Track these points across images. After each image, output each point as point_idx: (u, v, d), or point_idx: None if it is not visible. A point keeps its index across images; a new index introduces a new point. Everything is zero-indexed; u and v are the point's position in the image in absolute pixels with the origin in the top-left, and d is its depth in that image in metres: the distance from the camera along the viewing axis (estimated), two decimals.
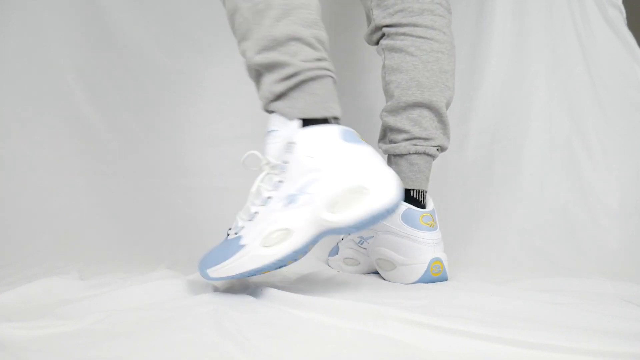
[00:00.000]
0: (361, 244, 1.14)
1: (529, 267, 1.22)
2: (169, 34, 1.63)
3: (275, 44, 0.84)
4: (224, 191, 1.56)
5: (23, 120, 1.56)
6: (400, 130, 1.08)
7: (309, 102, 0.84)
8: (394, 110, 1.09)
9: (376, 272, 1.13)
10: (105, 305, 0.81)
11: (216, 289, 0.91)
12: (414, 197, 1.08)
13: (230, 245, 0.83)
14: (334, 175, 0.78)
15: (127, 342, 0.66)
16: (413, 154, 1.07)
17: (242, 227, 0.82)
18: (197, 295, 0.87)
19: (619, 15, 1.57)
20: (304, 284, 1.00)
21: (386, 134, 1.11)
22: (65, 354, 0.62)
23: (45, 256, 1.30)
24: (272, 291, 0.84)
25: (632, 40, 1.56)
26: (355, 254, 1.16)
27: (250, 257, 0.79)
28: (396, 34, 1.09)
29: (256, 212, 0.81)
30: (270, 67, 0.85)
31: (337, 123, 0.86)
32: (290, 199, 0.79)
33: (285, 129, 0.83)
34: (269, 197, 0.81)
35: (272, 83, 0.85)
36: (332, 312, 0.75)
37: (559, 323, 0.72)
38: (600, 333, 0.67)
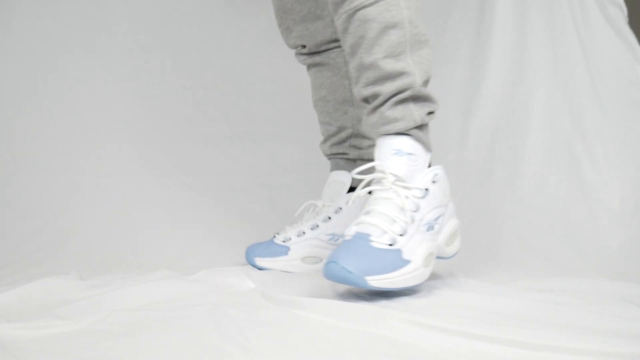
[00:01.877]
0: (335, 240, 1.16)
1: (529, 267, 1.21)
2: (169, 34, 1.63)
3: (428, 81, 0.96)
4: (224, 191, 1.56)
5: (23, 120, 1.56)
6: (365, 137, 1.17)
7: (430, 138, 0.97)
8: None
9: None
10: (105, 305, 0.81)
11: (216, 289, 0.92)
12: None
13: (391, 257, 0.84)
14: (453, 214, 0.99)
15: (127, 342, 0.66)
16: None
17: (395, 240, 0.86)
18: (197, 295, 0.87)
19: (620, 14, 1.56)
20: (304, 284, 1.00)
21: (346, 140, 1.19)
22: (65, 354, 0.62)
23: (45, 256, 1.30)
24: (272, 291, 0.84)
25: (633, 39, 1.56)
26: (318, 252, 1.17)
27: (417, 274, 0.86)
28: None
29: (405, 229, 0.87)
30: (426, 99, 0.94)
31: None
32: (429, 226, 0.91)
33: (422, 156, 0.93)
34: (412, 218, 0.88)
35: (422, 113, 0.93)
36: (332, 312, 0.75)
37: (559, 323, 0.72)
38: (600, 333, 0.67)
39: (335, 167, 1.22)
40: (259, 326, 0.71)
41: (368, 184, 0.95)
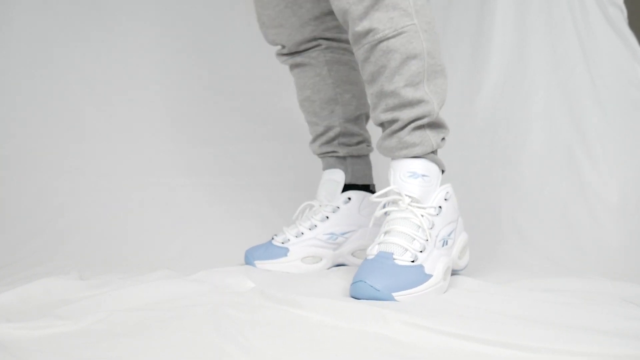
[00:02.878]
0: (334, 239, 1.18)
1: (529, 267, 1.22)
2: (169, 34, 1.63)
3: (443, 105, 1.01)
4: (224, 191, 1.57)
5: (24, 120, 1.56)
6: (354, 134, 1.22)
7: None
8: (351, 119, 1.22)
9: (337, 266, 1.19)
10: (105, 305, 0.81)
11: (216, 289, 0.91)
12: (372, 191, 1.20)
13: (415, 273, 0.90)
14: (462, 229, 1.05)
15: (127, 342, 0.66)
16: (367, 154, 1.25)
17: (416, 257, 0.91)
18: (197, 295, 0.87)
19: (620, 14, 1.57)
20: (304, 285, 1.00)
21: (334, 138, 1.22)
22: (65, 354, 0.62)
23: (45, 256, 1.30)
24: (272, 291, 0.84)
25: (632, 39, 1.56)
26: (318, 251, 1.17)
27: (439, 287, 0.92)
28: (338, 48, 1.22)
29: (424, 246, 0.92)
30: (441, 126, 1.01)
31: None
32: (444, 241, 0.97)
33: (434, 177, 0.98)
34: (429, 235, 0.94)
35: (437, 139, 0.99)
36: (332, 312, 0.75)
37: (559, 323, 0.72)
38: (600, 333, 0.67)
39: (327, 166, 1.23)
40: (259, 326, 0.71)
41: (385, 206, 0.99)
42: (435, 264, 0.92)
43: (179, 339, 0.66)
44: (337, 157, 1.23)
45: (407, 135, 0.97)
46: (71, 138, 1.56)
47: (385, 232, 0.93)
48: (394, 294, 0.86)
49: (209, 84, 1.64)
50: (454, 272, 1.02)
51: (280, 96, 1.67)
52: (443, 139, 1.02)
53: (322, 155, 1.25)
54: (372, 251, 0.92)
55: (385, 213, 0.97)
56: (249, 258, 1.18)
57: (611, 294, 0.93)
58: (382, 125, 1.01)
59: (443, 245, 0.96)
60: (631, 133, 1.53)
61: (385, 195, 0.98)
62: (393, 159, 0.99)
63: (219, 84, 1.64)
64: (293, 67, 1.25)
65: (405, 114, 0.97)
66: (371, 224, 1.00)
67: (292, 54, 1.23)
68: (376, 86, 0.98)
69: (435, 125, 1.00)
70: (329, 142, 1.23)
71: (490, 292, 0.92)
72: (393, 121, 0.98)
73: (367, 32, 0.95)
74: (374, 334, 0.69)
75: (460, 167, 1.55)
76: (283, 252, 1.17)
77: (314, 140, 1.25)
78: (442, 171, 1.01)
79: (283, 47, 1.23)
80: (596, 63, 1.57)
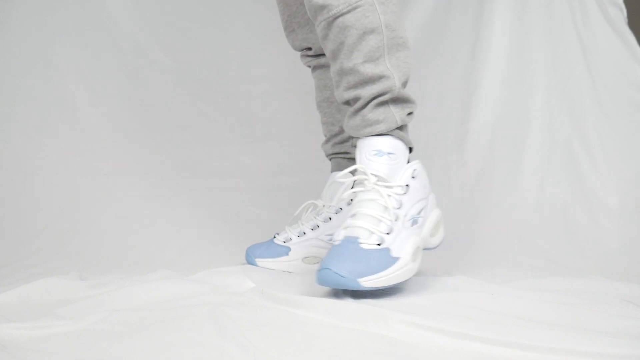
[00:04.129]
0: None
1: (529, 267, 1.21)
2: (169, 34, 1.63)
3: (407, 82, 0.98)
4: (224, 191, 1.57)
5: (23, 120, 1.56)
6: None
7: (409, 136, 1.00)
8: None
9: None
10: (105, 305, 0.81)
11: (216, 289, 0.91)
12: None
13: (381, 257, 0.87)
14: (434, 205, 1.00)
15: (127, 342, 0.66)
16: None
17: (383, 239, 0.88)
18: (197, 295, 0.87)
19: (620, 14, 1.57)
20: (304, 285, 1.00)
21: (348, 139, 1.22)
22: (65, 354, 0.62)
23: (45, 256, 1.30)
24: (272, 291, 0.84)
25: (632, 39, 1.56)
26: (319, 252, 1.17)
27: (406, 269, 0.89)
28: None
29: (391, 227, 0.90)
30: (406, 100, 0.97)
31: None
32: (413, 220, 0.94)
33: (401, 155, 0.95)
34: (397, 215, 0.91)
35: (402, 114, 0.96)
36: (332, 312, 0.75)
37: (559, 323, 0.72)
38: (600, 333, 0.67)
39: (336, 168, 1.23)
40: (259, 326, 0.71)
41: (352, 186, 0.98)
42: (404, 245, 0.89)
43: (179, 339, 0.66)
44: (349, 158, 1.22)
45: (369, 113, 0.95)
46: (71, 138, 1.56)
47: (352, 216, 0.91)
48: (359, 280, 0.84)
49: (208, 84, 1.64)
50: (427, 249, 0.99)
51: (280, 97, 1.67)
52: (410, 113, 0.98)
53: (333, 155, 1.25)
54: (339, 236, 0.90)
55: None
56: (250, 256, 1.17)
57: (611, 294, 0.93)
58: (347, 103, 0.99)
59: (412, 225, 0.93)
60: (631, 133, 1.53)
61: (351, 175, 0.95)
62: (359, 137, 0.97)
63: (218, 84, 1.64)
64: (316, 68, 1.26)
65: (367, 91, 0.94)
66: (334, 203, 0.98)
67: (317, 55, 1.24)
68: (337, 64, 0.96)
69: (399, 100, 0.96)
70: (342, 142, 1.22)
71: (490, 292, 0.92)
72: (355, 99, 0.96)
73: (322, 8, 0.93)
74: (374, 334, 0.69)
75: (460, 167, 1.55)
76: (284, 250, 1.17)
77: (328, 140, 1.25)
78: (410, 148, 0.98)
79: (309, 49, 1.24)
80: (596, 63, 1.57)
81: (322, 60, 1.24)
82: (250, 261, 1.17)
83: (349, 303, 0.80)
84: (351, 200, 1.14)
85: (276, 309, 0.79)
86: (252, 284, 0.96)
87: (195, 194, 1.56)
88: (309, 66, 1.28)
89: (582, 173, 1.52)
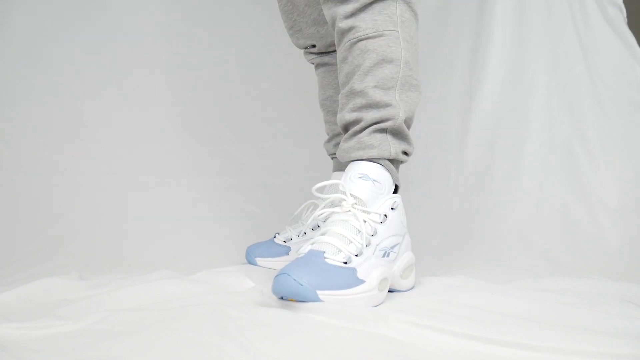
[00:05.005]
0: None
1: (529, 267, 1.22)
2: (169, 34, 1.63)
3: (410, 121, 0.97)
4: (224, 190, 1.57)
5: (23, 120, 1.56)
6: None
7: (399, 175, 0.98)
8: None
9: None
10: (105, 305, 0.81)
11: (216, 289, 0.91)
12: None
13: (345, 275, 0.82)
14: (409, 247, 0.96)
15: (127, 342, 0.66)
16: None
17: (350, 259, 0.84)
18: (197, 295, 0.87)
19: (620, 15, 1.57)
20: None
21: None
22: (65, 354, 0.62)
23: (45, 256, 1.30)
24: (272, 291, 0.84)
25: (632, 39, 1.56)
26: None
27: (371, 295, 0.83)
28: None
29: (361, 251, 0.86)
30: (404, 137, 0.96)
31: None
32: (385, 252, 0.90)
33: (387, 186, 0.92)
34: (369, 241, 0.87)
35: (397, 149, 0.95)
36: (332, 312, 0.75)
37: (559, 323, 0.72)
38: (600, 333, 0.67)
39: (338, 167, 1.23)
40: (259, 326, 0.71)
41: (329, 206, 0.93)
42: (371, 271, 0.84)
43: (179, 339, 0.66)
44: None
45: (366, 136, 0.93)
46: (71, 138, 1.56)
47: (322, 233, 0.87)
48: (318, 292, 0.78)
49: (209, 84, 1.64)
50: (395, 291, 0.93)
51: (280, 97, 1.67)
52: (405, 153, 0.97)
53: (335, 155, 1.25)
54: (304, 250, 0.85)
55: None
56: (250, 255, 1.17)
57: (611, 294, 0.93)
58: (345, 128, 0.98)
59: (384, 256, 0.89)
60: (631, 133, 1.53)
61: (328, 192, 0.93)
62: (350, 162, 0.95)
63: (219, 84, 1.64)
64: (320, 66, 1.26)
65: (369, 115, 0.94)
66: (308, 223, 0.94)
67: (321, 53, 1.25)
68: (348, 86, 0.95)
69: (399, 133, 0.95)
70: None
71: (490, 292, 0.92)
72: (356, 122, 0.95)
73: (350, 29, 0.94)
74: (374, 334, 0.69)
75: (460, 167, 1.55)
76: (285, 250, 1.17)
77: (330, 139, 1.25)
78: (396, 186, 0.96)
79: (314, 46, 1.24)
80: (596, 63, 1.57)
81: (325, 58, 1.24)
82: (250, 261, 1.17)
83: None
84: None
85: (276, 309, 0.79)
86: (252, 283, 0.96)
87: (195, 193, 1.56)
88: (313, 63, 1.28)
89: (582, 173, 1.52)
